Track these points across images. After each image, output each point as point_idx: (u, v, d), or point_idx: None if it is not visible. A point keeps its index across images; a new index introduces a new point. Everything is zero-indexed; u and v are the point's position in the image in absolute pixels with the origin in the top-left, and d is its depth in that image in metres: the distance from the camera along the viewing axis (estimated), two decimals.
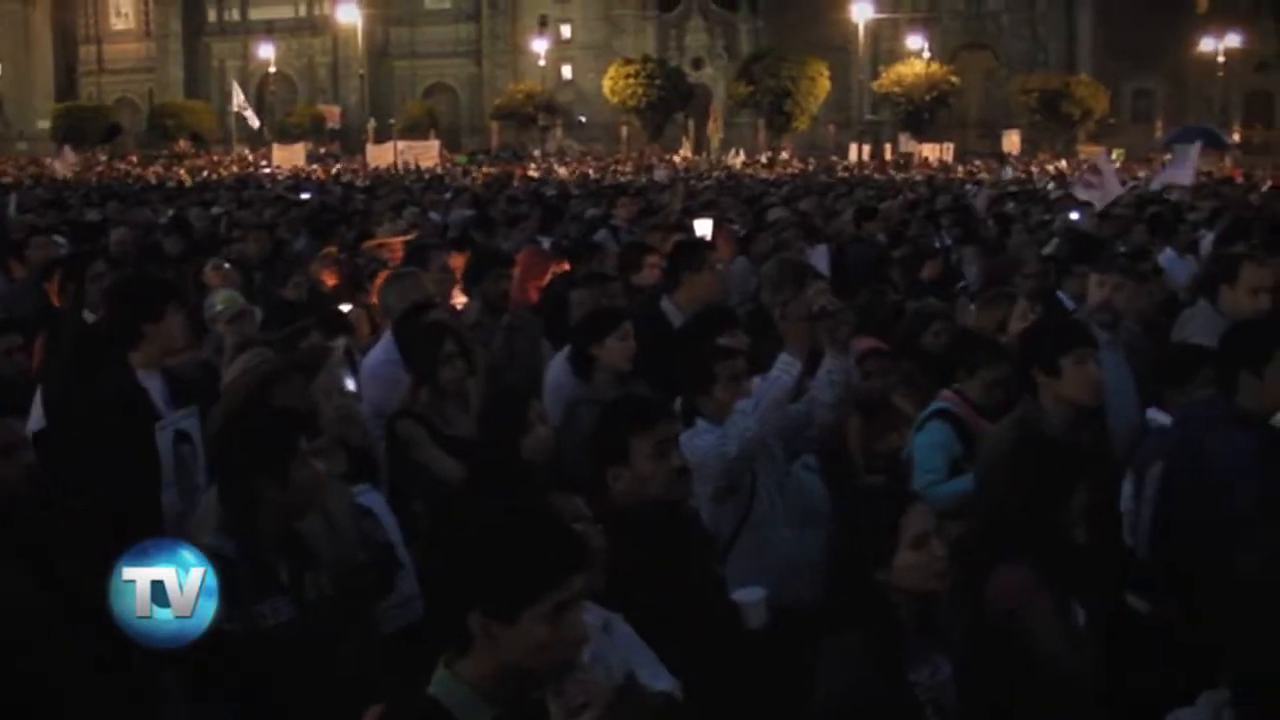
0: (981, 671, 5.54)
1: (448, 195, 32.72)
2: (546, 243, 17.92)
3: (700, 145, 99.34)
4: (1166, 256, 15.92)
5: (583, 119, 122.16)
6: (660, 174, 51.09)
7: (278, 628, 5.48)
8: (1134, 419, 8.96)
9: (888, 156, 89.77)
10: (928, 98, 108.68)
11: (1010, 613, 5.72)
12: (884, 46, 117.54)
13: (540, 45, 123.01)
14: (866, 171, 67.45)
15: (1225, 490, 6.69)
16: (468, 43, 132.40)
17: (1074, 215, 19.23)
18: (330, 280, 13.95)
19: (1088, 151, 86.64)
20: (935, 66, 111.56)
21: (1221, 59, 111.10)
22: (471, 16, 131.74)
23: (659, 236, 15.13)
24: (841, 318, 7.78)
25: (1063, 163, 79.74)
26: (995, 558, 5.89)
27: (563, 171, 66.32)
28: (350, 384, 8.91)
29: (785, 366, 7.53)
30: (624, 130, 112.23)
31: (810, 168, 74.55)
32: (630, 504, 6.12)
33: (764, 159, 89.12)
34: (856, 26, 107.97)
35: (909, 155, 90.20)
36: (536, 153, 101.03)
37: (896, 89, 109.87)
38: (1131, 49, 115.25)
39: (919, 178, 56.33)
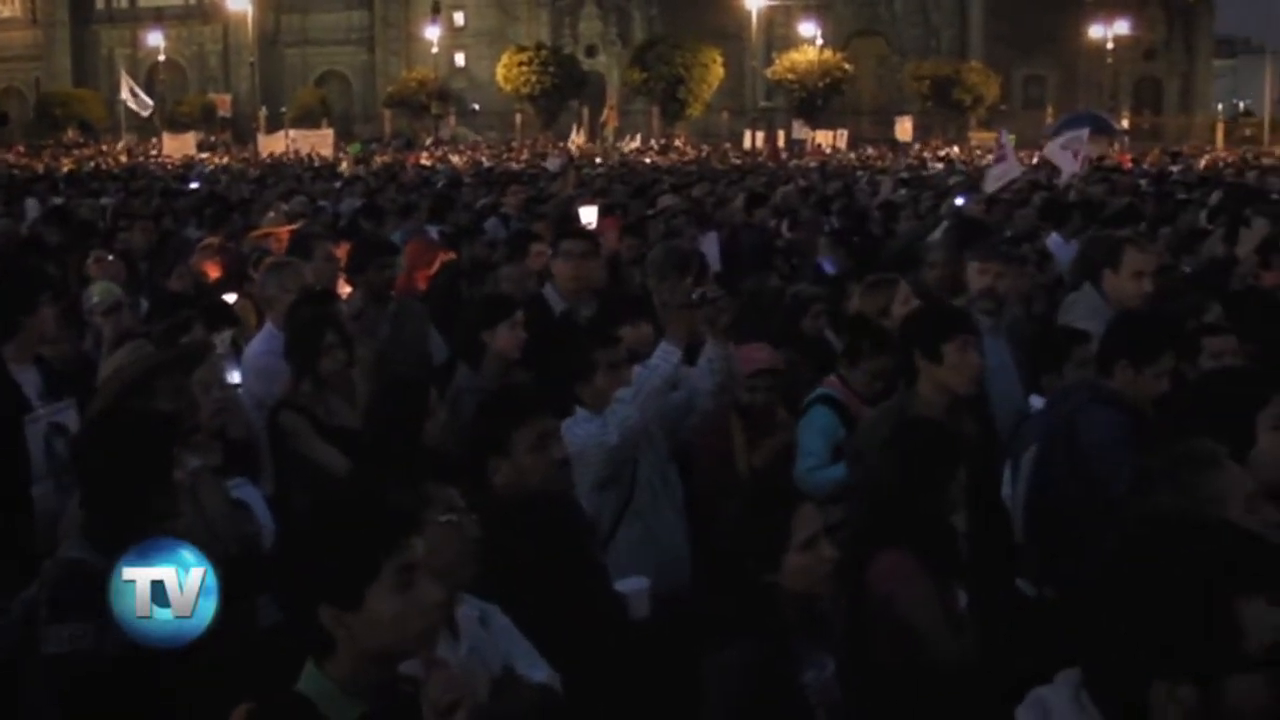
0: (864, 657, 5.55)
1: (338, 184, 32.49)
2: (435, 231, 17.83)
3: (595, 132, 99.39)
4: (1053, 240, 16.04)
5: (476, 107, 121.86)
6: (552, 162, 50.91)
7: None
8: (1018, 405, 9.03)
9: (781, 143, 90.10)
10: (821, 84, 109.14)
11: (889, 597, 5.74)
12: (777, 33, 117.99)
13: (433, 32, 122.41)
14: (760, 158, 67.61)
15: (1096, 469, 6.74)
16: (360, 30, 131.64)
17: (959, 200, 19.34)
18: (213, 271, 13.83)
19: (979, 138, 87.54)
20: (828, 53, 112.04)
21: (1111, 46, 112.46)
22: (364, 3, 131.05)
23: (545, 224, 15.14)
24: (721, 305, 7.77)
25: (955, 149, 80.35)
26: (875, 543, 5.91)
27: (456, 160, 66.06)
28: (235, 376, 8.84)
29: (665, 354, 7.51)
30: (518, 118, 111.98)
31: (704, 154, 74.71)
32: (510, 495, 6.08)
33: (657, 146, 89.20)
34: (749, 13, 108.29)
35: (802, 142, 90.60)
36: (430, 141, 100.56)
37: (790, 76, 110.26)
38: (1022, 36, 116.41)
39: (812, 164, 56.52)
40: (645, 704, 5.79)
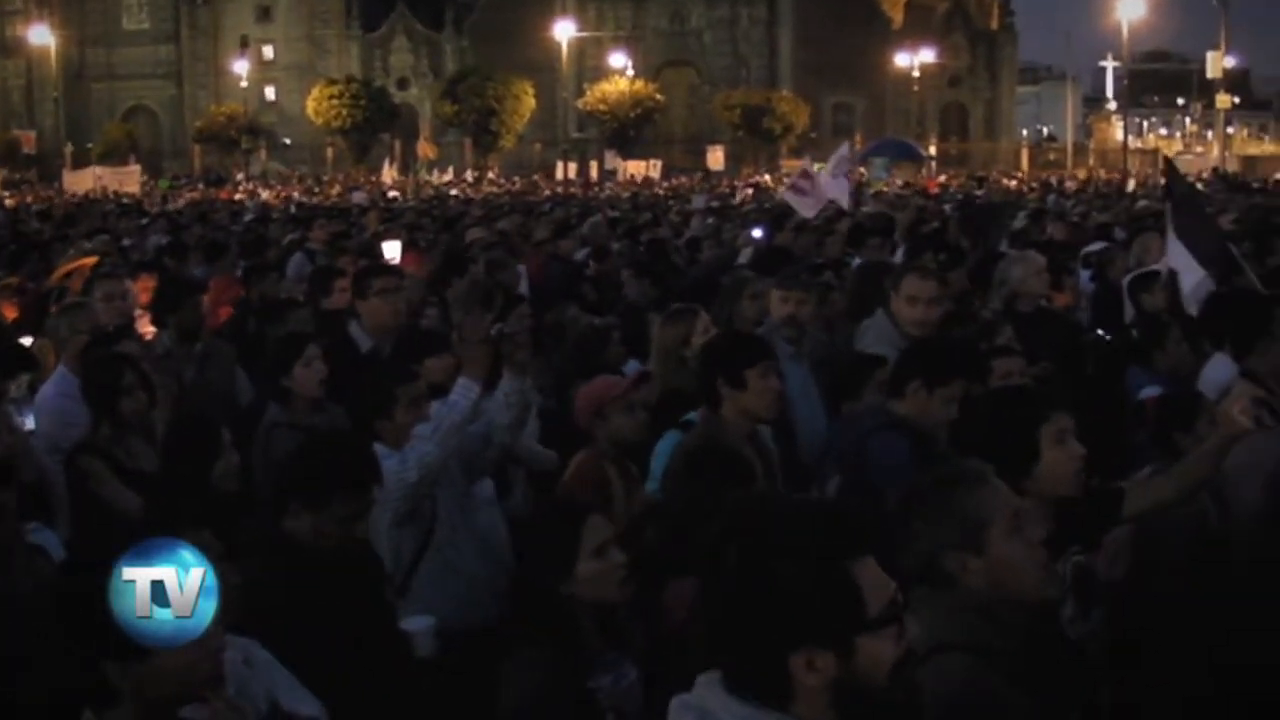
0: (663, 680, 5.60)
1: (144, 221, 32.05)
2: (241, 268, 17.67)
3: (407, 166, 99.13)
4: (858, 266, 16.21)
5: (287, 141, 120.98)
6: (359, 196, 50.63)
7: None
8: (821, 431, 9.14)
9: (594, 174, 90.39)
10: (632, 115, 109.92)
11: (685, 622, 5.79)
12: (588, 64, 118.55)
13: (242, 66, 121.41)
14: (572, 190, 67.84)
15: (883, 494, 6.86)
16: (167, 64, 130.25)
17: (756, 233, 19.48)
18: (10, 313, 13.57)
19: (790, 166, 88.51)
20: (639, 84, 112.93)
21: (917, 74, 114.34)
22: (171, 37, 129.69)
23: (350, 260, 15.08)
24: (519, 339, 7.79)
25: (767, 177, 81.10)
26: (670, 568, 5.96)
27: (267, 195, 65.45)
28: (30, 421, 8.72)
29: (463, 390, 7.49)
30: (330, 151, 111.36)
31: (516, 186, 74.76)
32: (307, 541, 6.03)
33: (470, 178, 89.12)
34: (560, 45, 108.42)
35: (614, 172, 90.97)
36: (240, 176, 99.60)
37: (601, 106, 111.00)
38: (831, 65, 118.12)
39: (625, 195, 56.78)
40: None
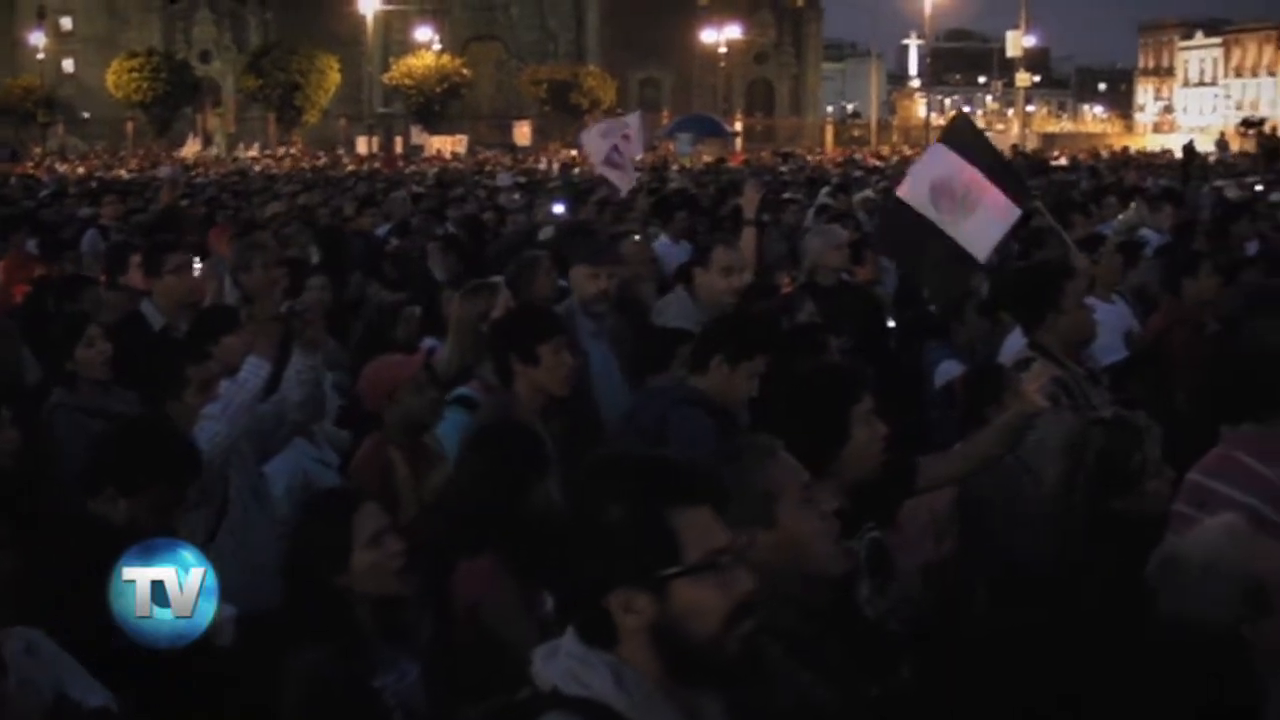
0: (448, 667, 5.53)
1: None
2: (33, 245, 17.27)
3: (208, 140, 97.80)
4: (661, 243, 16.15)
5: (86, 115, 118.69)
6: (164, 171, 49.86)
7: None
8: (623, 407, 9.11)
9: (398, 149, 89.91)
10: (439, 89, 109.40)
11: (475, 606, 5.73)
12: (394, 39, 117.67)
13: (38, 38, 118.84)
14: (376, 165, 67.39)
15: None
16: None
17: (558, 208, 19.40)
18: None
19: None
20: (446, 58, 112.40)
21: (723, 50, 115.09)
22: None
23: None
24: (309, 316, 7.67)
25: (573, 152, 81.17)
26: (459, 551, 5.89)
27: (64, 170, 64.19)
28: None
29: (254, 368, 7.39)
30: (130, 126, 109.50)
31: (320, 161, 74.12)
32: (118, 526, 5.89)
33: (275, 154, 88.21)
34: (365, 18, 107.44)
35: (419, 147, 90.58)
36: (37, 151, 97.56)
37: (407, 81, 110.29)
38: (638, 40, 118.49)
39: (430, 170, 56.47)
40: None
